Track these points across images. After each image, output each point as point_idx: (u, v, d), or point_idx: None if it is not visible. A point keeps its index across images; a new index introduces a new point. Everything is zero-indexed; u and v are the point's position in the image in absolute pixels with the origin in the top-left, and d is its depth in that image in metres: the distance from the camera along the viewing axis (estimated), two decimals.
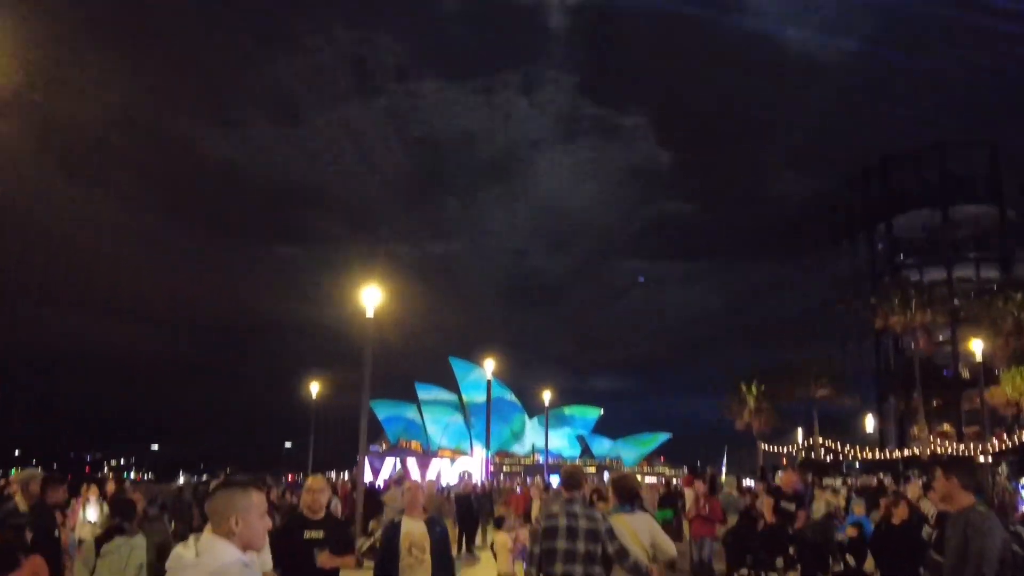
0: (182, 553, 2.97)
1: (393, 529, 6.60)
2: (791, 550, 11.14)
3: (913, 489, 14.53)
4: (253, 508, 3.09)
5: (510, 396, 71.81)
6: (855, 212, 58.98)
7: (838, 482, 26.28)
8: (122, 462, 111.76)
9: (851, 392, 48.40)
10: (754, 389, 47.98)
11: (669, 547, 6.60)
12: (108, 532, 6.97)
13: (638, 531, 6.51)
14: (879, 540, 9.78)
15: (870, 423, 57.20)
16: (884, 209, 55.50)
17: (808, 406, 48.15)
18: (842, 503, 16.54)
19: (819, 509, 16.57)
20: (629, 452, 72.78)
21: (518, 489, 27.66)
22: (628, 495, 6.73)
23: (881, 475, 14.77)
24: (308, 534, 6.06)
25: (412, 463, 61.81)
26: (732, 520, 14.22)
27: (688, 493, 15.55)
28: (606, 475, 55.12)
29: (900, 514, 9.31)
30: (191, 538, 3.03)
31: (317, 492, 6.34)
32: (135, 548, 6.98)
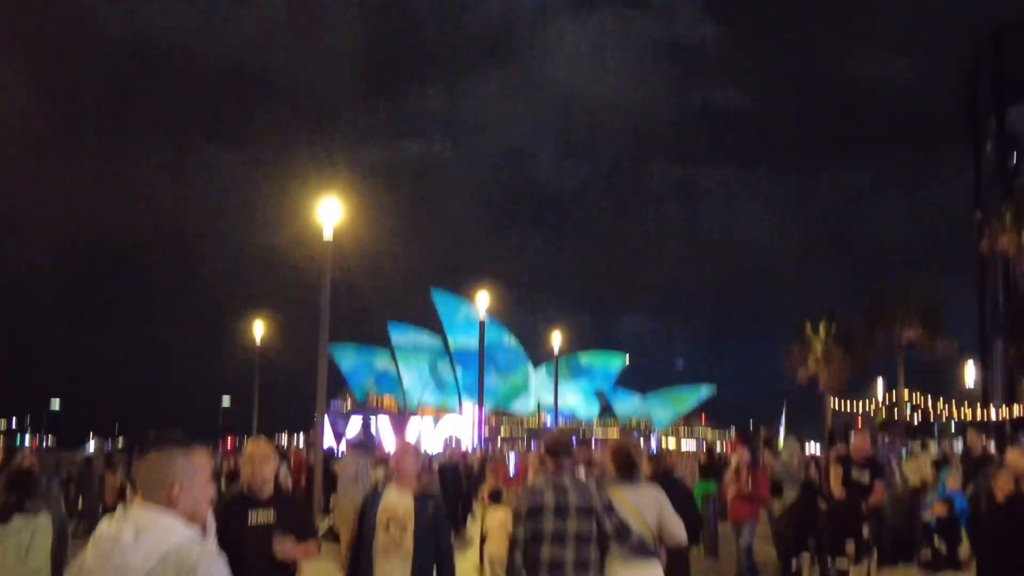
0: (115, 533, 2.96)
1: (373, 499, 6.60)
2: (864, 532, 11.38)
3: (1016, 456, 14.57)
4: (198, 473, 3.13)
5: (510, 340, 72.37)
6: (958, 104, 58.53)
7: (931, 447, 26.65)
8: (13, 424, 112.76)
9: (947, 335, 48.66)
10: (822, 331, 48.27)
11: (679, 530, 6.88)
12: (3, 511, 7.06)
13: (641, 508, 6.78)
14: (980, 521, 9.92)
15: (970, 374, 57.73)
16: (995, 99, 55.05)
17: (892, 353, 48.51)
18: (931, 474, 16.81)
19: (903, 482, 16.85)
20: (661, 410, 73.68)
21: (512, 456, 28.06)
22: (627, 465, 6.97)
23: (982, 437, 14.91)
24: (255, 518, 5.87)
25: (384, 423, 62.51)
26: (791, 496, 14.44)
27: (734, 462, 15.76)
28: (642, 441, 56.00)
29: (1003, 487, 9.45)
30: (118, 512, 3.03)
31: (260, 462, 6.06)
32: (39, 530, 7.08)
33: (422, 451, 31.72)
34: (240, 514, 5.81)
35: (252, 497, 5.94)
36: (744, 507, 13.76)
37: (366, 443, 18.80)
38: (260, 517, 5.86)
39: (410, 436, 56.14)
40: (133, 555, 2.89)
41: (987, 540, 9.43)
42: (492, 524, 11.24)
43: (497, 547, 10.64)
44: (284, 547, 5.81)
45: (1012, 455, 10.10)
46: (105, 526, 3.01)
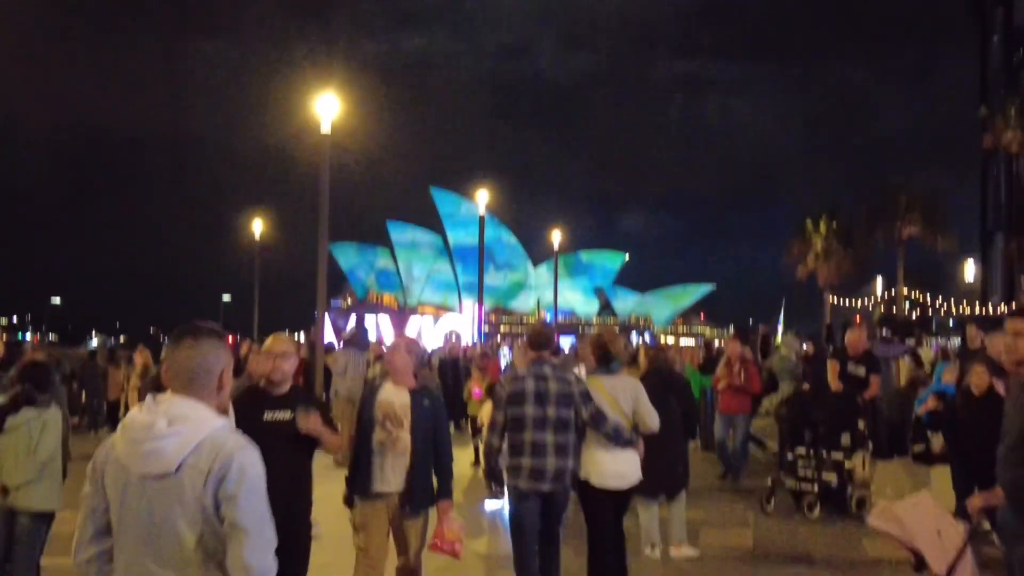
0: (147, 420, 2.91)
1: (369, 395, 6.50)
2: (860, 425, 11.50)
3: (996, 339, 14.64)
4: (229, 364, 3.12)
5: (509, 238, 72.33)
6: None
7: (926, 347, 26.83)
8: (14, 320, 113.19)
9: (948, 232, 48.58)
10: (823, 227, 48.23)
11: (652, 419, 7.35)
12: (13, 401, 7.09)
13: (618, 396, 7.26)
14: (954, 415, 10.01)
15: (970, 271, 57.88)
16: None
17: (892, 251, 48.53)
18: (929, 369, 16.97)
19: (899, 376, 17.01)
20: (660, 307, 74.03)
21: (506, 351, 28.16)
22: (604, 356, 7.49)
23: (980, 331, 15.04)
24: (270, 415, 5.70)
25: (385, 321, 62.98)
26: (787, 390, 14.58)
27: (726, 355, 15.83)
28: (635, 337, 56.33)
29: (979, 383, 9.51)
30: (148, 402, 2.98)
31: (280, 357, 5.85)
32: (48, 424, 7.12)
33: (421, 347, 31.93)
34: (255, 408, 5.67)
35: (268, 393, 5.79)
36: (735, 399, 14.01)
37: (357, 339, 18.86)
38: (276, 415, 5.71)
39: (410, 333, 56.49)
40: (166, 442, 2.86)
41: (963, 436, 9.46)
42: (486, 418, 11.43)
43: None
44: (308, 421, 5.67)
45: (993, 340, 10.08)
46: (135, 414, 2.97)
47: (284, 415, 5.72)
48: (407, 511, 6.23)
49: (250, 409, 5.55)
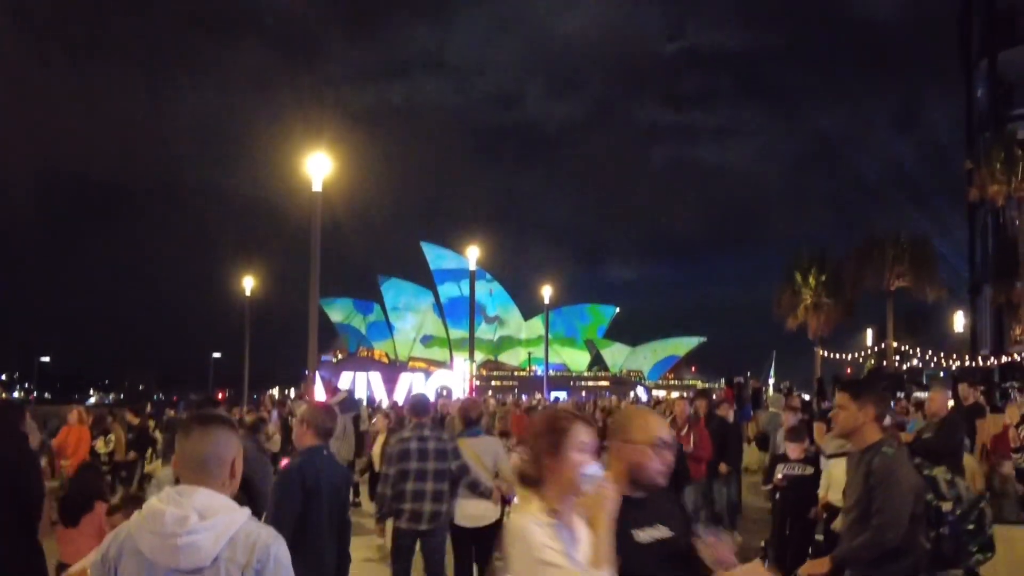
0: (179, 514, 2.86)
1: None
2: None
3: (1012, 410, 14.47)
4: (240, 452, 3.12)
5: (499, 292, 72.45)
6: (950, 46, 58.17)
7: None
8: (2, 377, 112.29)
9: (937, 282, 48.79)
10: (812, 278, 48.41)
11: (509, 473, 8.75)
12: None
13: (481, 454, 8.87)
14: None
15: (959, 321, 58.03)
16: (988, 42, 54.79)
17: (881, 300, 48.68)
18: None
19: None
20: (651, 361, 74.02)
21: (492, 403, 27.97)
22: (470, 420, 9.25)
23: (975, 390, 14.88)
24: None
25: (376, 378, 62.79)
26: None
27: (723, 411, 15.53)
28: (640, 393, 56.08)
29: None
30: (169, 493, 2.96)
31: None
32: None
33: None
34: None
35: None
36: (693, 465, 12.03)
37: (348, 402, 18.99)
38: None
39: (400, 389, 56.34)
40: (202, 536, 2.84)
41: None
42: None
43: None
44: None
45: (1011, 410, 9.97)
46: (158, 506, 2.91)
47: None
48: None
49: None
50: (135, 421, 19.34)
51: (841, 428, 5.31)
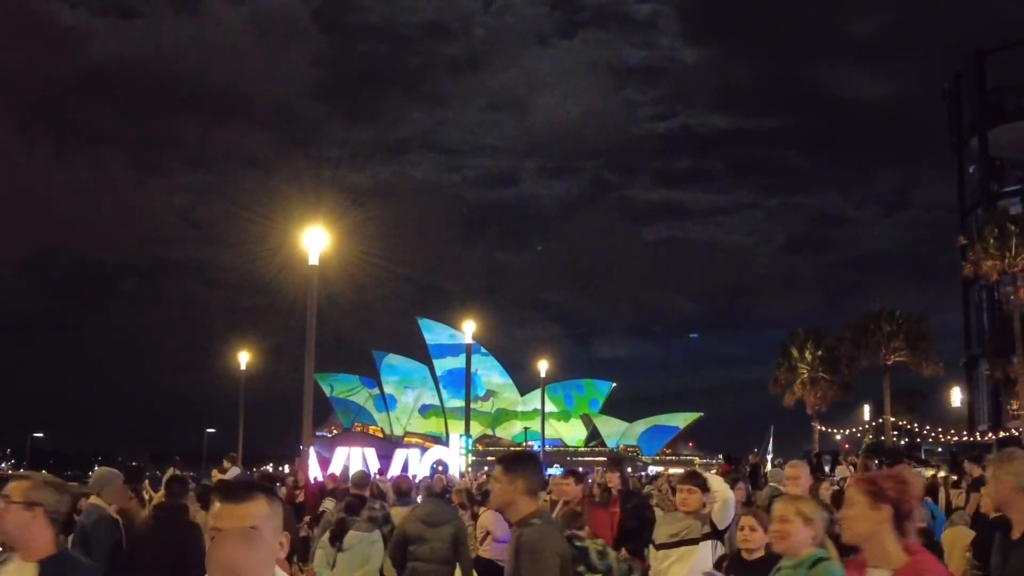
0: None
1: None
2: None
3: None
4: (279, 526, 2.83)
5: (495, 367, 72.32)
6: (940, 125, 58.89)
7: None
8: None
9: (933, 358, 48.83)
10: (808, 354, 48.44)
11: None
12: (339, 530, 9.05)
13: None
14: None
15: (956, 396, 57.92)
16: (978, 121, 55.51)
17: (879, 376, 48.65)
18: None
19: None
20: (648, 436, 73.60)
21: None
22: (404, 491, 11.35)
23: (969, 464, 14.83)
24: None
25: (371, 454, 62.28)
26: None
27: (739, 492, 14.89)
28: (649, 471, 55.64)
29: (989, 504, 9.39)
30: None
31: None
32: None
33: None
34: None
35: None
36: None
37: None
38: None
39: (395, 465, 55.75)
40: None
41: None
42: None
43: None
44: None
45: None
46: None
47: None
48: None
49: None
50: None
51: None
